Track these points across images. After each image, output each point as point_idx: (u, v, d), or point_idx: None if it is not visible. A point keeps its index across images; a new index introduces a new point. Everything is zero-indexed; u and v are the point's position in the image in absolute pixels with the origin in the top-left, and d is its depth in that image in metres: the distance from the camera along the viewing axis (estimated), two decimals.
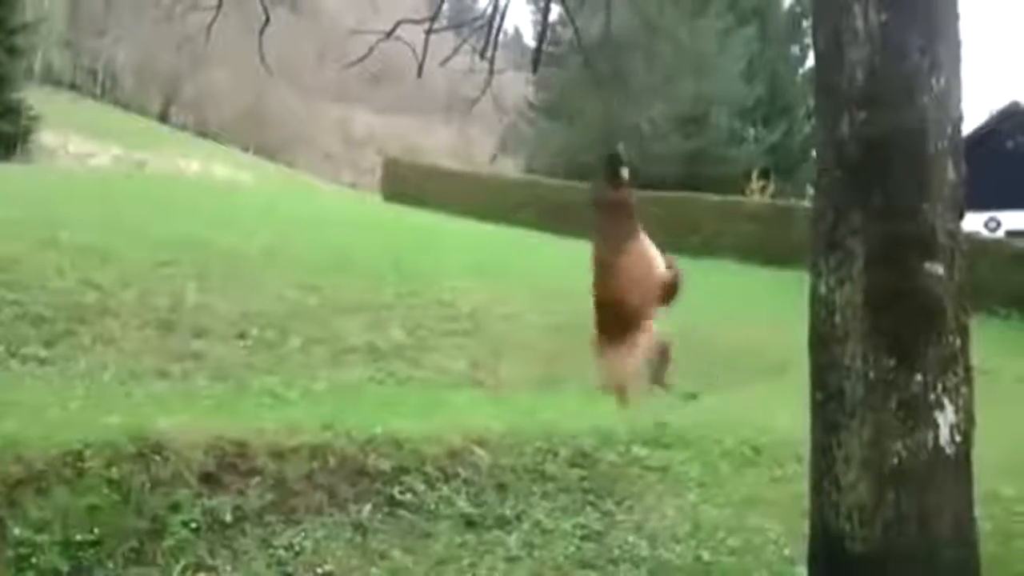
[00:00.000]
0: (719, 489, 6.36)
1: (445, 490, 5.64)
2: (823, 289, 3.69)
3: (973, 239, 16.38)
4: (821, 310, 3.68)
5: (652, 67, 32.70)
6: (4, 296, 8.84)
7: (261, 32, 5.70)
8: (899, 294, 3.55)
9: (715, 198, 26.31)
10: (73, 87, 58.26)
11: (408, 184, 33.78)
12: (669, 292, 4.77)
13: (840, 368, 3.60)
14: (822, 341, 3.68)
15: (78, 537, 4.46)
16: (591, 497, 5.95)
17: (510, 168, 42.88)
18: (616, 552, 5.24)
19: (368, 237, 16.44)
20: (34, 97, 38.91)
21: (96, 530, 4.52)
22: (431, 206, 28.87)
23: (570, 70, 31.65)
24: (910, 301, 3.54)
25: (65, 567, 4.34)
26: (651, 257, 4.65)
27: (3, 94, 36.26)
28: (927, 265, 3.54)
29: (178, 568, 4.51)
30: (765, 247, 22.76)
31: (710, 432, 7.18)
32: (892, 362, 3.53)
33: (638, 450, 6.64)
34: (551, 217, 25.65)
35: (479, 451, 6.05)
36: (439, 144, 67.91)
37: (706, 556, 5.22)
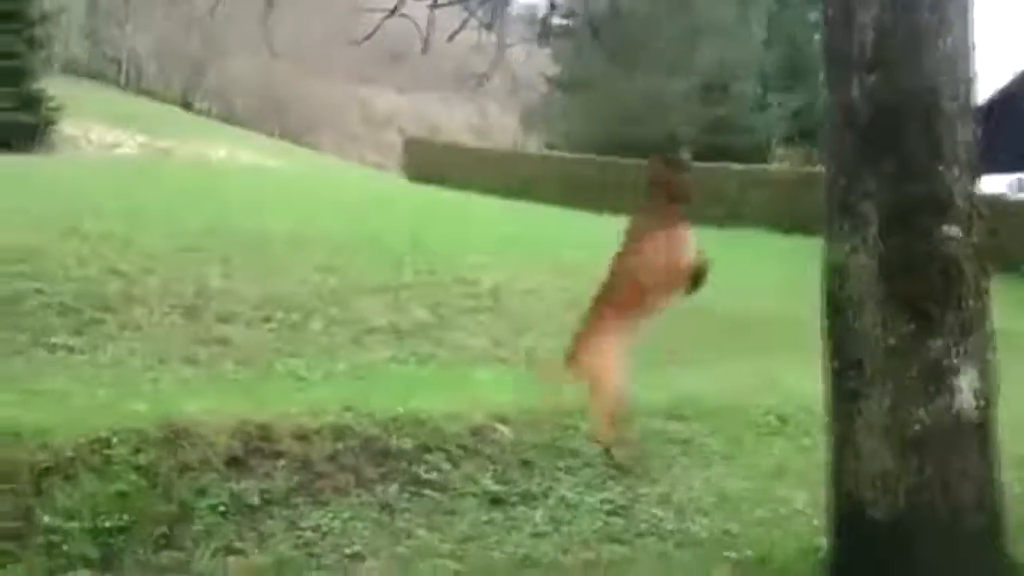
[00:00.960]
0: (745, 460, 6.33)
1: (469, 468, 5.66)
2: (837, 256, 3.65)
3: (998, 200, 16.22)
4: (836, 277, 3.65)
5: (670, 36, 32.46)
6: (29, 286, 8.93)
7: (265, 17, 5.70)
8: (915, 258, 3.51)
9: (738, 166, 26.15)
10: (95, 76, 58.51)
11: (430, 163, 33.81)
12: (693, 280, 4.74)
13: (857, 335, 3.57)
14: (838, 308, 3.65)
15: (107, 523, 4.51)
16: (615, 472, 5.93)
17: (533, 144, 42.82)
18: (642, 526, 5.23)
19: (390, 217, 16.45)
20: (56, 87, 39.08)
21: (124, 516, 4.57)
22: (453, 184, 28.88)
23: (586, 43, 31.46)
24: (927, 265, 3.50)
25: (95, 553, 4.39)
26: (676, 248, 4.57)
27: (24, 85, 36.51)
28: (943, 228, 3.50)
29: (207, 552, 4.55)
30: (790, 214, 22.58)
31: (734, 403, 7.15)
32: (910, 328, 3.50)
33: (661, 423, 6.62)
34: (571, 191, 25.59)
35: (502, 428, 6.07)
36: (460, 122, 67.79)
37: (733, 528, 5.20)
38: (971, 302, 3.53)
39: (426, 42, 5.87)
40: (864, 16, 3.62)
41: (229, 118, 61.74)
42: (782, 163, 29.38)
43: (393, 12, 5.86)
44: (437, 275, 11.71)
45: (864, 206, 3.59)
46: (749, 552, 4.79)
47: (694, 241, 4.71)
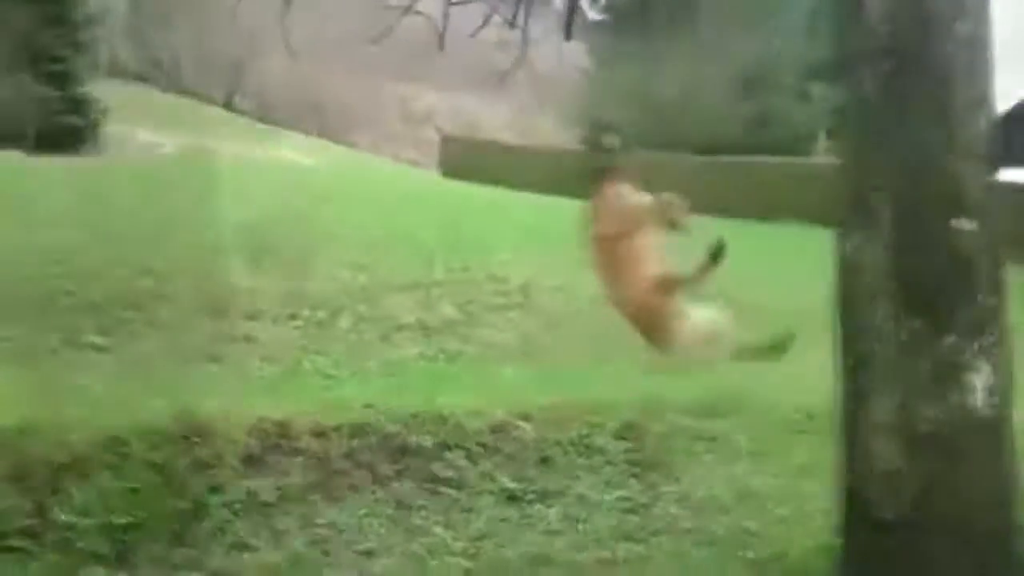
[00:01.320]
0: (772, 458, 6.20)
1: (487, 465, 5.61)
2: (848, 250, 3.57)
3: None
4: (847, 272, 3.56)
5: (706, 27, 32.16)
6: (61, 286, 9.07)
7: (283, 16, 5.71)
8: (927, 252, 3.41)
9: (778, 160, 25.83)
10: (139, 78, 59.33)
11: (466, 160, 33.85)
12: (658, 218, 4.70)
13: (867, 331, 3.48)
14: (849, 304, 3.56)
15: (120, 520, 4.53)
16: (637, 469, 5.84)
17: (573, 140, 42.64)
18: (659, 524, 5.16)
19: (423, 214, 16.49)
20: (101, 90, 39.69)
21: (138, 513, 4.59)
22: (489, 181, 28.87)
23: (620, 37, 31.30)
24: (939, 259, 3.40)
25: (108, 550, 4.41)
26: (618, 195, 4.61)
27: (71, 89, 37.14)
28: (956, 221, 3.39)
29: (219, 548, 4.56)
30: (832, 208, 22.21)
31: (765, 399, 7.03)
32: (922, 323, 3.40)
33: (688, 421, 6.51)
34: None
35: (523, 425, 6.01)
36: (500, 119, 67.79)
37: (752, 526, 5.10)
38: (985, 297, 3.42)
39: (442, 38, 5.86)
40: (874, 1, 3.52)
41: (267, 117, 62.27)
42: (824, 156, 28.87)
43: (408, 11, 5.86)
44: (469, 272, 11.71)
45: (875, 199, 3.49)
46: (765, 550, 4.71)
47: (637, 192, 4.71)
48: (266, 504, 4.91)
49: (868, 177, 3.51)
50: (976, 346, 3.39)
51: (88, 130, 37.63)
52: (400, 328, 9.51)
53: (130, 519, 4.56)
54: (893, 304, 3.44)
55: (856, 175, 3.57)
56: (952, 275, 3.41)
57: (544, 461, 5.77)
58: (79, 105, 37.39)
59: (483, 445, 5.75)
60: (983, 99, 3.48)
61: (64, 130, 35.01)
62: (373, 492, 5.19)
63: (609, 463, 5.86)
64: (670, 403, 6.59)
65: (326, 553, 4.68)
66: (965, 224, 3.40)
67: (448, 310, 10.19)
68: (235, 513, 4.79)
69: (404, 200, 19.01)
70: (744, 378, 7.65)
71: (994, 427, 3.42)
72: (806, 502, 5.49)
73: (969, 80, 3.45)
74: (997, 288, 3.46)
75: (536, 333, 9.99)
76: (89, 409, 5.47)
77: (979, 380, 3.37)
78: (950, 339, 3.38)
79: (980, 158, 3.44)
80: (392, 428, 5.65)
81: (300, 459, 5.26)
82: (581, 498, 5.42)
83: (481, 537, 4.92)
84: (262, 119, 62.15)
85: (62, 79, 36.80)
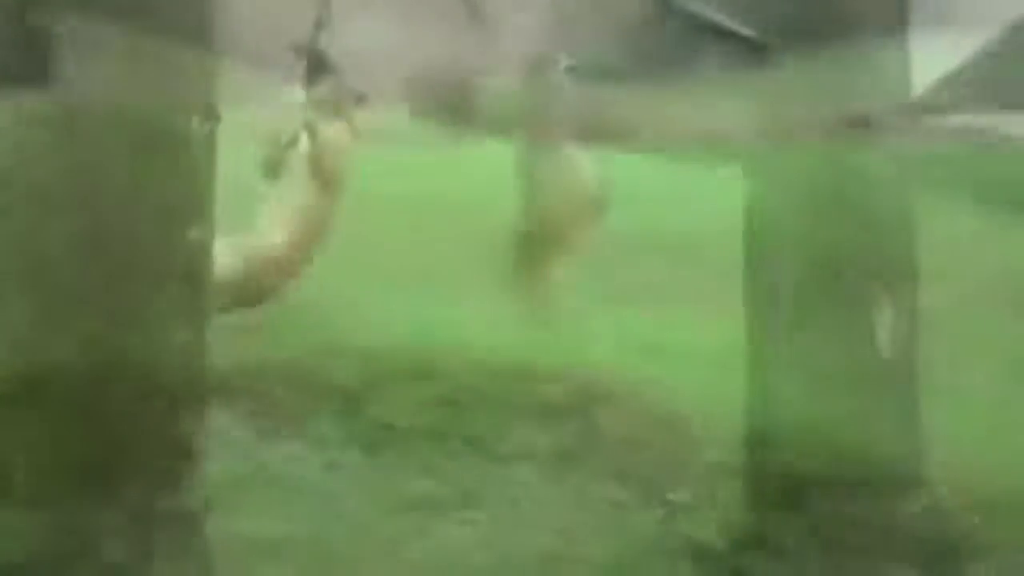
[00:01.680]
0: None
1: (427, 410, 5.53)
2: (754, 194, 3.47)
3: None
4: (752, 216, 3.47)
5: None
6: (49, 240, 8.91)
7: None
8: (834, 193, 3.31)
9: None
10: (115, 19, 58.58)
11: (439, 102, 33.39)
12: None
13: (772, 274, 3.40)
14: (753, 245, 3.47)
15: (43, 459, 4.40)
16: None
17: None
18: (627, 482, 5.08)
19: (394, 164, 16.23)
20: (70, 26, 39.18)
21: (55, 450, 4.46)
22: (463, 125, 28.49)
23: None
24: (845, 200, 3.30)
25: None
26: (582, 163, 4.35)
27: (31, 22, 36.56)
28: (865, 160, 3.29)
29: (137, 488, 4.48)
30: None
31: None
32: (828, 268, 3.32)
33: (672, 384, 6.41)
34: (583, 128, 25.21)
35: (460, 364, 5.91)
36: (470, 57, 66.99)
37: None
38: (892, 239, 3.34)
39: None
40: None
41: (265, 68, 61.60)
42: None
43: None
44: (444, 227, 11.49)
45: (782, 148, 3.38)
46: None
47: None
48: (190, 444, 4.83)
49: (777, 127, 3.39)
50: (882, 290, 3.32)
51: (46, 67, 37.12)
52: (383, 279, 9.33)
53: (47, 458, 4.46)
54: (795, 249, 3.36)
55: (766, 124, 3.45)
56: (858, 217, 3.32)
57: (483, 402, 5.68)
58: (39, 40, 36.88)
59: (417, 383, 5.66)
60: (900, 19, 3.33)
61: (25, 66, 34.58)
62: (300, 431, 5.11)
63: (590, 422, 5.72)
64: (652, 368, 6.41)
65: (247, 492, 4.58)
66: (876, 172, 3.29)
67: (431, 261, 9.99)
68: (156, 452, 4.69)
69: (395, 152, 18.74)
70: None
71: (900, 372, 3.36)
72: None
73: (891, 24, 3.30)
74: (907, 231, 3.38)
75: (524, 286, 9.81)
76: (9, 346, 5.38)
77: (883, 323, 3.31)
78: (854, 282, 3.31)
79: (894, 91, 3.33)
80: (322, 366, 5.58)
81: (229, 398, 5.17)
82: (519, 440, 5.33)
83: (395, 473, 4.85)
84: (261, 70, 61.46)
85: (19, 11, 36.25)
